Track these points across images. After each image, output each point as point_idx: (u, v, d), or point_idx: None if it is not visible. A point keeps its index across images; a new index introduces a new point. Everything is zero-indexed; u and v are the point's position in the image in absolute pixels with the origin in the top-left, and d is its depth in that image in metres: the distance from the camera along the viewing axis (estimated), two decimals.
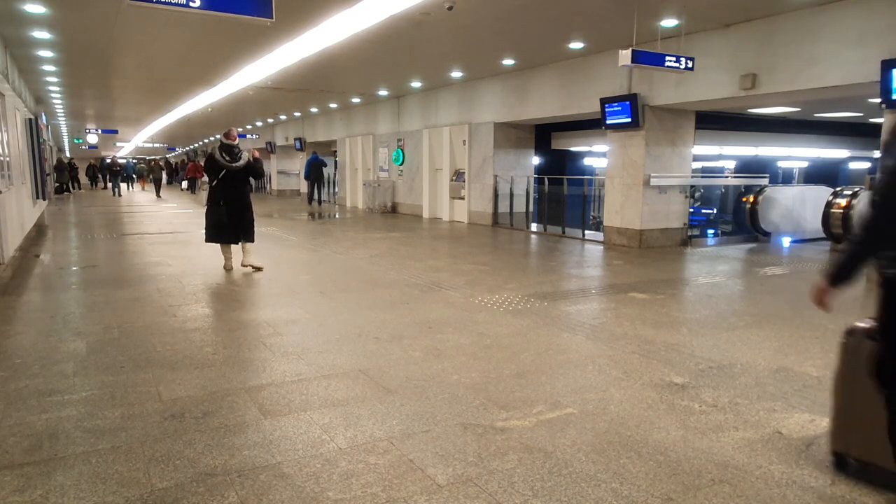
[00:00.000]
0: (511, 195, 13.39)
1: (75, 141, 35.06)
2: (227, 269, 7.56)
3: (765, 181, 12.69)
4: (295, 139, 24.30)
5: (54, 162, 25.76)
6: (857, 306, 6.32)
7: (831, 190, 10.85)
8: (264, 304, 5.95)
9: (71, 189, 28.72)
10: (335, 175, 23.05)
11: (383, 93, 16.53)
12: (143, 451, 2.83)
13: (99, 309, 5.58)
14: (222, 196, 7.42)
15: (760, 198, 11.48)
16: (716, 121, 14.20)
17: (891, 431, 2.32)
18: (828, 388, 3.70)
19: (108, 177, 32.39)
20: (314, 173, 19.84)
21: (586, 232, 11.89)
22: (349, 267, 8.08)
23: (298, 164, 24.84)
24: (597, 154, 19.93)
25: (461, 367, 4.04)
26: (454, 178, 14.99)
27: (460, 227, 13.61)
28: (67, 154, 37.41)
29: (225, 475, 2.62)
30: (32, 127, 12.58)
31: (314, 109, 21.03)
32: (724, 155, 19.39)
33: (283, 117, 24.05)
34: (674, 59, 7.88)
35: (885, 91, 6.94)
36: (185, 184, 29.24)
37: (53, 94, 17.12)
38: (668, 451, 2.88)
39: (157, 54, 11.18)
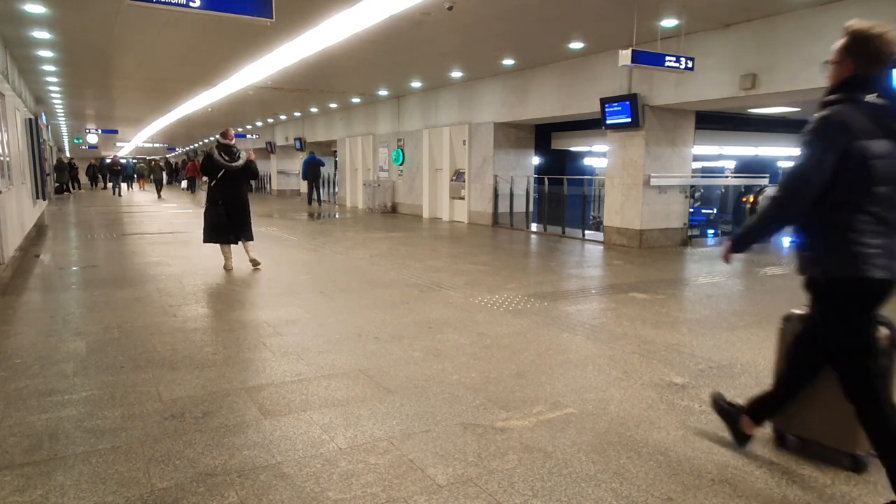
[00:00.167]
0: (511, 195, 13.39)
1: (75, 141, 35.06)
2: (228, 269, 7.56)
3: (765, 181, 12.70)
4: (295, 139, 24.30)
5: (54, 162, 25.76)
6: None
7: None
8: (264, 304, 5.95)
9: (71, 189, 28.73)
10: (335, 175, 23.06)
11: (383, 93, 16.53)
12: (143, 451, 2.83)
13: (99, 309, 5.58)
14: (221, 196, 7.44)
15: (760, 198, 11.51)
16: (716, 121, 14.20)
17: (772, 398, 2.78)
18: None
19: (108, 177, 32.42)
20: (311, 173, 19.85)
21: (586, 232, 11.89)
22: (349, 267, 8.08)
23: (298, 164, 24.85)
24: (597, 154, 19.95)
25: (461, 367, 4.04)
26: (454, 178, 14.99)
27: (460, 227, 13.61)
28: (67, 154, 37.42)
29: (225, 475, 2.62)
30: (32, 127, 12.58)
31: (314, 109, 21.03)
32: (724, 155, 19.40)
33: (283, 117, 24.06)
34: (674, 59, 7.89)
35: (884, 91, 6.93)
36: (184, 183, 29.24)
37: (53, 94, 17.12)
38: (668, 451, 2.88)
39: (157, 54, 11.18)
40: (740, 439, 2.89)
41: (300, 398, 3.49)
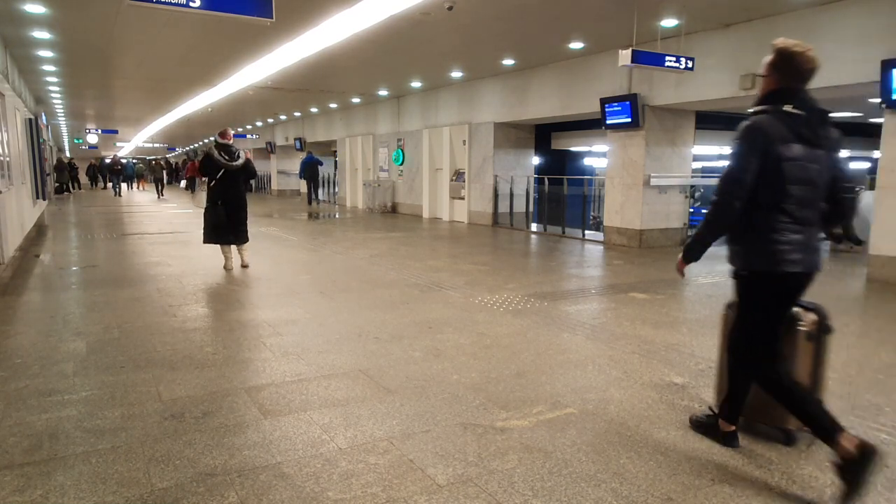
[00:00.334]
0: (511, 195, 13.39)
1: (75, 141, 35.06)
2: (228, 269, 7.56)
3: None
4: (295, 139, 24.30)
5: (54, 162, 25.76)
6: (856, 306, 6.33)
7: None
8: (264, 304, 5.95)
9: (71, 189, 28.73)
10: (335, 175, 23.05)
11: (383, 93, 16.54)
12: (143, 451, 2.83)
13: (99, 309, 5.58)
14: (221, 196, 7.44)
15: None
16: (716, 121, 14.19)
17: (732, 393, 2.91)
18: (828, 388, 3.71)
19: (108, 177, 32.41)
20: (309, 173, 19.85)
21: (586, 232, 11.89)
22: (349, 267, 8.08)
23: (298, 164, 24.87)
24: (597, 154, 19.96)
25: (461, 367, 4.04)
26: (454, 178, 15.00)
27: (460, 227, 13.61)
28: (67, 154, 37.42)
29: (225, 475, 2.62)
30: (32, 127, 12.58)
31: (314, 109, 21.03)
32: (724, 155, 19.38)
33: (283, 117, 24.06)
34: (674, 59, 7.89)
35: (885, 91, 6.95)
36: (183, 183, 29.22)
37: (53, 94, 17.12)
38: (668, 451, 2.89)
39: (157, 54, 11.18)
40: (727, 440, 2.94)
41: (300, 398, 3.49)
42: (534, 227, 13.14)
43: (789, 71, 2.61)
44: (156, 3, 5.00)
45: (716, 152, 18.27)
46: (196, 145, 39.94)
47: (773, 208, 2.58)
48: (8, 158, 8.97)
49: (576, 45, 10.12)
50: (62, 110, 21.56)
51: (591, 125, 13.23)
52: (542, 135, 16.28)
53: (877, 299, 6.53)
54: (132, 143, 39.10)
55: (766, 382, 2.70)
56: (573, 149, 20.60)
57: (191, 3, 4.98)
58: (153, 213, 17.42)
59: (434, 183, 15.89)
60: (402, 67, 12.81)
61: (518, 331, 4.95)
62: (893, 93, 6.88)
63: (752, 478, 2.64)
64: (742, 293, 2.78)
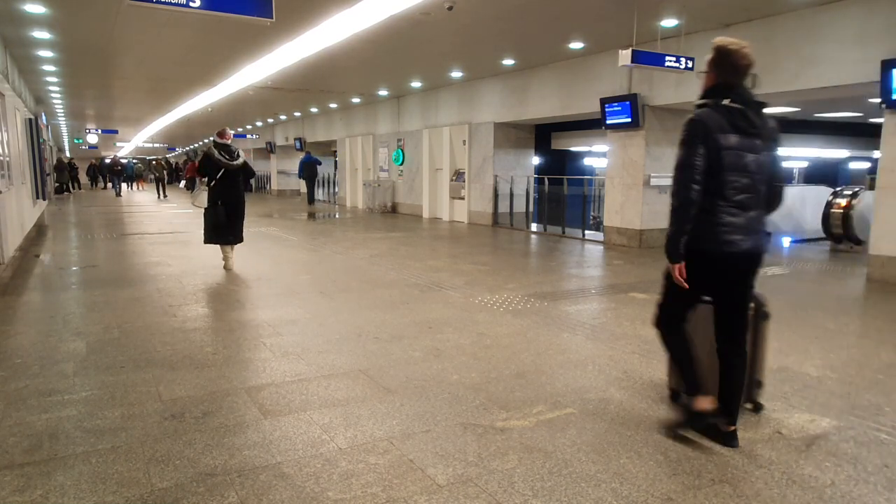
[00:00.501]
0: (511, 195, 13.39)
1: (75, 141, 35.06)
2: (227, 269, 7.56)
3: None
4: (295, 139, 24.30)
5: (54, 162, 25.76)
6: (856, 306, 6.33)
7: (831, 190, 10.83)
8: (264, 304, 5.95)
9: (71, 189, 28.72)
10: (335, 175, 23.05)
11: (383, 93, 16.54)
12: (143, 451, 2.83)
13: (99, 309, 5.58)
14: (221, 196, 7.43)
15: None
16: None
17: (676, 360, 3.12)
18: (828, 388, 3.72)
19: (108, 177, 32.40)
20: (307, 172, 19.86)
21: (586, 232, 11.89)
22: (349, 267, 8.08)
23: (298, 164, 24.89)
24: (597, 154, 19.96)
25: (461, 367, 4.04)
26: (454, 178, 15.00)
27: (460, 227, 13.62)
28: (67, 154, 37.41)
29: (225, 475, 2.62)
30: (32, 127, 12.58)
31: (314, 109, 21.03)
32: None
33: (283, 117, 24.06)
34: (674, 59, 7.88)
35: (885, 91, 6.95)
36: (183, 183, 29.22)
37: (53, 94, 17.12)
38: (668, 451, 2.89)
39: (157, 54, 11.18)
40: (727, 440, 2.93)
41: (300, 398, 3.49)
42: (534, 227, 13.13)
43: (727, 67, 2.79)
44: (156, 3, 5.00)
45: None
46: (196, 145, 39.94)
47: (715, 194, 2.78)
48: (8, 158, 8.97)
49: (576, 45, 10.12)
50: (62, 110, 21.56)
51: (591, 125, 13.23)
52: (542, 135, 16.29)
53: (877, 299, 6.53)
54: (132, 143, 39.09)
55: (669, 339, 3.06)
56: (573, 149, 20.61)
57: (191, 3, 4.98)
58: (153, 213, 17.42)
59: (434, 183, 15.89)
60: (402, 67, 12.81)
61: (518, 331, 4.95)
62: (893, 93, 6.88)
63: (752, 478, 2.65)
64: (686, 269, 2.91)
